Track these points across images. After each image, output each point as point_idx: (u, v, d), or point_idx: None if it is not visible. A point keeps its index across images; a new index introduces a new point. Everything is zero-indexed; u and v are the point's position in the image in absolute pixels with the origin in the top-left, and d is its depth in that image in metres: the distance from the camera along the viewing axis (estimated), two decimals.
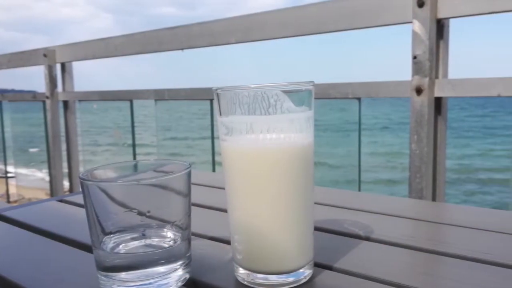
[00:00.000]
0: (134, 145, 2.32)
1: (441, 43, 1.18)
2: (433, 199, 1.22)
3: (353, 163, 1.48)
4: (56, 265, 0.48)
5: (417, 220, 0.61)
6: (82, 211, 0.42)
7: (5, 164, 3.30)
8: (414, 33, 1.16)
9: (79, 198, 0.75)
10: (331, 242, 0.52)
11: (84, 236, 0.53)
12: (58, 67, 2.46)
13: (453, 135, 15.80)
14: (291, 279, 0.41)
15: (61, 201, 0.77)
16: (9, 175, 3.41)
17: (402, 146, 12.11)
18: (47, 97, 2.47)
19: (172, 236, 0.42)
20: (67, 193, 2.58)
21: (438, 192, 1.23)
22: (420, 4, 1.13)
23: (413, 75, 1.17)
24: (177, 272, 0.41)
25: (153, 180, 0.40)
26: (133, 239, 0.41)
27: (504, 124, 19.30)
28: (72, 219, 0.67)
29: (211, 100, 1.73)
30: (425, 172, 1.18)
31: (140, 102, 2.20)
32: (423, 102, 1.16)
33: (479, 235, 0.54)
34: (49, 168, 2.61)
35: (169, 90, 1.95)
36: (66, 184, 2.62)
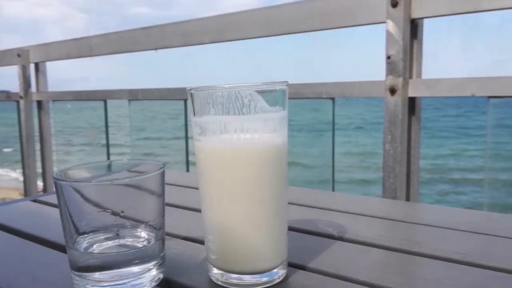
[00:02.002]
0: (108, 145, 2.29)
1: (415, 43, 1.21)
2: (407, 199, 1.24)
3: (327, 163, 1.49)
4: (30, 264, 0.48)
5: (391, 220, 0.62)
6: (56, 211, 0.42)
7: None
8: (388, 33, 1.17)
9: (53, 198, 0.74)
10: (305, 242, 0.53)
11: (58, 236, 0.53)
12: (32, 67, 2.41)
13: (427, 135, 16.13)
14: (264, 279, 0.42)
15: (35, 201, 0.76)
16: None
17: (376, 146, 12.30)
18: (21, 97, 2.42)
19: (146, 236, 0.42)
20: (41, 193, 2.53)
21: (412, 192, 1.25)
22: (394, 4, 1.15)
23: (387, 75, 1.19)
24: (151, 272, 0.41)
25: (127, 180, 0.40)
26: (107, 239, 0.41)
27: (477, 124, 19.79)
28: (46, 219, 0.66)
29: (185, 100, 1.73)
30: (399, 172, 1.20)
31: (114, 102, 2.17)
32: (397, 102, 1.18)
33: (453, 235, 0.55)
34: (23, 168, 2.55)
35: (143, 90, 1.94)
36: (40, 184, 2.57)
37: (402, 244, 0.52)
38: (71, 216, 0.39)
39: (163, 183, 0.42)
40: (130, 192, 0.40)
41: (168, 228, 0.47)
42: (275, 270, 0.42)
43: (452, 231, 0.56)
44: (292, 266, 0.45)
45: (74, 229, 0.39)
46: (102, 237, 0.41)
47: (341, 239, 0.54)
